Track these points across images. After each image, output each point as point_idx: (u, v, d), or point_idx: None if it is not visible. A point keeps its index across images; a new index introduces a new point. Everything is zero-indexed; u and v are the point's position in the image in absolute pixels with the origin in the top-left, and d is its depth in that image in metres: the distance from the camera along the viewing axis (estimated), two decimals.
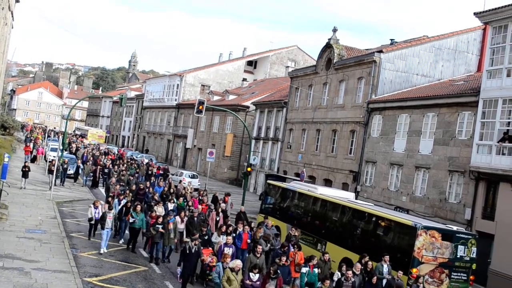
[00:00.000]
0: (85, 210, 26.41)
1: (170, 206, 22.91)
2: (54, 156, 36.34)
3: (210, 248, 16.90)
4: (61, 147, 38.34)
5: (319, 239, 20.96)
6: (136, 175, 35.81)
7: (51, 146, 45.84)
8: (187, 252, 15.08)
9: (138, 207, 19.60)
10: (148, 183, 28.98)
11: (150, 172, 39.04)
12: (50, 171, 30.53)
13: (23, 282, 13.49)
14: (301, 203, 23.73)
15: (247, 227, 18.87)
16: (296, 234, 19.70)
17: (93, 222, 20.16)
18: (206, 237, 17.74)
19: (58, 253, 16.82)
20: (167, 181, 32.79)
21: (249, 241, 18.21)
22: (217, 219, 21.96)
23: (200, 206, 23.29)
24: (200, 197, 26.55)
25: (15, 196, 25.82)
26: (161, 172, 40.46)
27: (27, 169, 29.05)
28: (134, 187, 26.66)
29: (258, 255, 15.03)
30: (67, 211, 25.47)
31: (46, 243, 17.91)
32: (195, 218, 20.42)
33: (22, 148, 47.78)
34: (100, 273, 15.85)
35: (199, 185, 41.25)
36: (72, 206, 27.32)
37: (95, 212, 20.10)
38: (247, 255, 17.49)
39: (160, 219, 18.25)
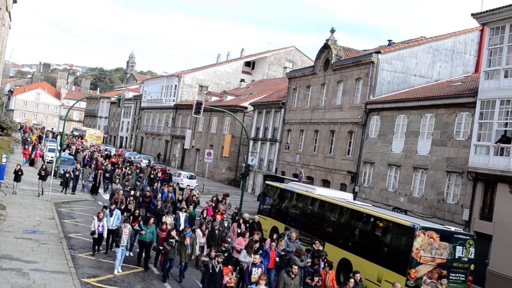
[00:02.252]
0: (83, 211, 26.47)
1: (182, 216, 20.53)
2: (52, 157, 36.25)
3: (230, 267, 14.63)
4: (58, 148, 38.19)
5: (318, 240, 20.92)
6: (140, 179, 33.45)
7: (49, 146, 45.65)
8: (210, 271, 13.30)
9: (151, 220, 17.42)
10: (149, 188, 26.56)
11: (153, 176, 36.47)
12: (41, 177, 28.09)
13: (21, 283, 13.45)
14: (299, 204, 23.73)
15: (273, 243, 16.76)
16: (321, 248, 17.97)
17: (96, 236, 17.84)
18: (226, 254, 15.61)
19: (56, 254, 16.78)
20: (171, 186, 30.38)
21: (277, 259, 16.52)
22: (239, 231, 19.66)
23: (218, 217, 20.61)
24: (213, 204, 24.96)
25: (13, 196, 25.78)
26: (165, 176, 38.74)
27: (20, 173, 27.18)
28: (138, 193, 24.86)
29: (293, 276, 13.40)
30: (65, 212, 25.41)
31: (44, 244, 17.86)
32: (216, 232, 18.31)
33: (21, 151, 46.39)
34: (98, 274, 15.82)
35: (197, 185, 41.21)
36: (70, 207, 27.26)
37: (99, 225, 17.75)
38: (273, 275, 16.32)
39: (174, 232, 16.37)
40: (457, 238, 16.63)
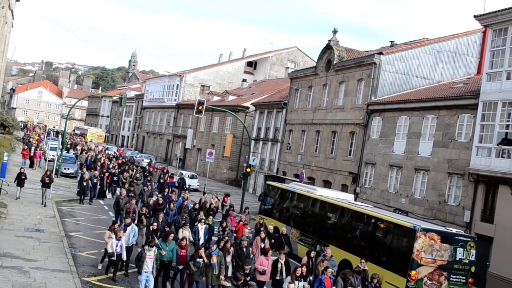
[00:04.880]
0: (84, 209, 26.45)
1: (201, 228, 18.12)
2: (54, 155, 36.18)
3: None
4: (60, 147, 38.14)
5: (318, 241, 20.93)
6: (148, 183, 29.85)
7: (51, 145, 45.49)
8: None
9: (171, 236, 14.88)
10: (160, 195, 23.99)
11: (163, 181, 33.35)
12: (44, 184, 25.27)
13: (21, 281, 13.46)
14: (300, 204, 23.73)
15: (330, 269, 14.18)
16: (366, 267, 15.84)
17: (114, 258, 15.20)
18: (249, 278, 13.62)
19: (57, 252, 16.79)
20: (183, 193, 27.39)
21: None
22: (262, 245, 17.20)
23: (246, 230, 18.26)
24: (232, 211, 22.91)
25: (14, 195, 25.74)
26: (175, 180, 35.76)
27: (23, 177, 25.26)
28: (151, 201, 22.37)
29: None
30: (66, 211, 25.40)
31: (45, 242, 17.87)
32: (244, 249, 15.59)
33: (20, 151, 43.59)
34: (98, 273, 15.80)
35: (198, 185, 41.25)
36: (71, 205, 27.25)
37: (117, 245, 15.18)
38: None
39: (202, 251, 14.06)
40: (458, 240, 16.61)
